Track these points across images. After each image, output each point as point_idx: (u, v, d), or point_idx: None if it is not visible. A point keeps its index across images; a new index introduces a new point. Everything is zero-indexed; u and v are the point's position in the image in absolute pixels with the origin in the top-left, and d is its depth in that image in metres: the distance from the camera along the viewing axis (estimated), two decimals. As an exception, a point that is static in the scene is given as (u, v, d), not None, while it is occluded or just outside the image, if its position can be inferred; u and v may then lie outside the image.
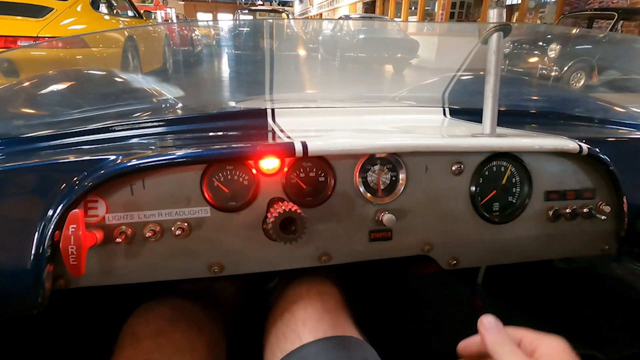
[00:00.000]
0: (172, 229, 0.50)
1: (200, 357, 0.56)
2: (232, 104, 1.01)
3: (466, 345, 0.44)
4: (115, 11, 4.03)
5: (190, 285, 0.76)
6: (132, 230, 0.49)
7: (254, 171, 0.52)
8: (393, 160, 0.57)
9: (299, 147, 0.51)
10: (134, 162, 0.47)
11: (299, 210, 0.47)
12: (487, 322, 0.42)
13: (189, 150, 0.49)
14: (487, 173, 0.61)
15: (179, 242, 0.51)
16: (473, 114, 0.87)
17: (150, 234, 0.49)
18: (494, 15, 0.60)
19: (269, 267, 0.56)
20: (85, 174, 0.47)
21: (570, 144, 0.60)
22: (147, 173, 0.49)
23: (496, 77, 0.62)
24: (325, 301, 0.59)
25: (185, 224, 0.51)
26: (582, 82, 3.83)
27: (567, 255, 0.67)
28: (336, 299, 0.61)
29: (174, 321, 0.59)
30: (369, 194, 0.56)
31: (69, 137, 0.63)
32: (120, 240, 0.47)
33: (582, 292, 1.04)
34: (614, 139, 0.70)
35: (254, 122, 0.77)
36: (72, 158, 0.48)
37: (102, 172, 0.46)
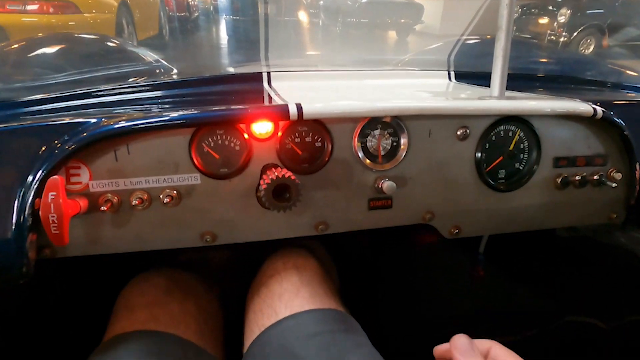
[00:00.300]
0: (161, 197, 0.47)
1: (196, 328, 0.55)
2: (229, 69, 0.96)
3: (441, 352, 0.41)
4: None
5: (186, 256, 0.74)
6: (119, 198, 0.46)
7: (245, 136, 0.49)
8: (394, 124, 0.53)
9: (293, 110, 0.47)
10: (117, 125, 0.44)
11: (293, 177, 0.44)
12: (461, 346, 0.39)
13: (175, 113, 0.45)
14: (493, 138, 0.57)
15: (168, 210, 0.48)
16: (480, 78, 0.82)
17: (137, 202, 0.46)
18: None
19: (264, 237, 0.53)
20: (66, 137, 0.43)
21: (584, 107, 0.56)
22: (131, 137, 0.45)
23: (507, 34, 0.57)
24: (302, 274, 0.56)
25: (174, 192, 0.48)
26: (591, 47, 3.68)
27: (574, 224, 0.64)
28: (314, 272, 0.58)
29: (169, 292, 0.58)
30: (368, 160, 0.53)
31: (56, 102, 0.59)
32: (105, 208, 0.45)
33: (584, 261, 1.03)
34: (628, 102, 0.66)
35: (249, 86, 0.72)
36: (52, 121, 0.45)
37: (83, 135, 0.43)
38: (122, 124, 0.44)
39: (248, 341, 0.51)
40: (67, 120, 0.45)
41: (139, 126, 0.44)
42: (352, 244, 1.06)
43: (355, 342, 0.47)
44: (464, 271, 1.02)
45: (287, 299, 0.52)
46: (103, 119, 0.44)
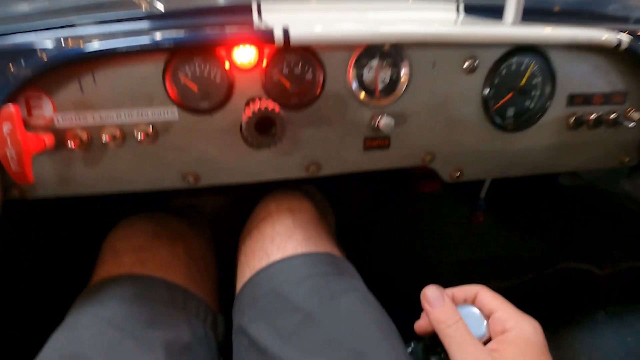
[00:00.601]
0: (135, 133, 0.42)
1: (185, 272, 0.53)
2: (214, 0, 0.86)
3: (420, 325, 0.40)
4: None
5: (176, 202, 0.71)
6: (88, 134, 0.42)
7: (227, 65, 0.43)
8: (395, 53, 0.47)
9: (279, 34, 0.40)
10: (78, 47, 0.38)
11: (277, 109, 0.39)
12: (431, 296, 0.37)
13: (144, 36, 0.39)
14: (504, 72, 0.51)
15: (144, 148, 0.44)
16: (493, 11, 0.74)
17: (109, 139, 0.41)
18: None
19: (251, 178, 0.49)
20: (22, 61, 0.38)
21: (608, 36, 0.49)
22: (96, 64, 0.39)
23: None
24: (296, 217, 0.53)
25: (150, 128, 0.43)
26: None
27: (583, 168, 0.60)
28: (309, 215, 0.55)
29: (157, 236, 0.55)
30: (364, 95, 0.47)
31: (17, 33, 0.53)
32: (74, 145, 0.40)
33: (584, 209, 1.00)
34: None
35: (235, 19, 0.65)
36: (3, 43, 0.39)
37: (41, 59, 0.37)
38: (85, 47, 0.38)
39: (240, 283, 0.50)
40: (22, 41, 0.39)
41: (103, 50, 0.38)
42: (349, 190, 1.03)
43: (349, 285, 0.45)
44: (463, 217, 1.00)
45: (280, 241, 0.49)
46: (62, 42, 0.39)
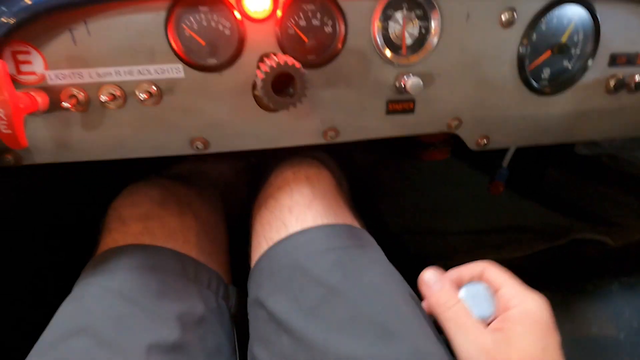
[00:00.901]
0: (137, 92, 0.38)
1: (195, 241, 0.50)
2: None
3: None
4: None
5: (183, 167, 0.68)
6: (85, 94, 0.37)
7: (237, 15, 0.38)
8: (425, 3, 0.41)
9: None
10: None
11: (297, 65, 0.34)
12: (428, 279, 0.37)
13: None
14: (543, 27, 0.46)
15: (147, 110, 0.40)
16: None
17: (108, 99, 0.37)
18: None
19: (264, 144, 0.45)
20: (4, 9, 0.33)
21: None
22: (88, 10, 0.34)
23: None
24: (315, 186, 0.49)
25: (153, 87, 0.38)
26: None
27: (617, 136, 0.55)
28: (328, 184, 0.52)
29: (165, 204, 0.52)
30: (389, 51, 0.42)
31: None
32: (69, 105, 0.36)
33: (602, 179, 0.96)
34: None
35: None
36: None
37: (24, 4, 0.32)
38: None
39: (255, 255, 0.47)
40: None
41: None
42: (352, 154, 0.99)
43: (372, 258, 0.43)
44: (473, 186, 0.97)
45: (298, 212, 0.46)
46: None
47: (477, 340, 0.32)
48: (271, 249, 0.43)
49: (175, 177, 0.61)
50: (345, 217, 0.47)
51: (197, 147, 0.43)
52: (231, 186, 0.72)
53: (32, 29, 0.34)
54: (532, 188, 1.02)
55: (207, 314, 0.43)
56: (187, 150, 0.43)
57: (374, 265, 0.41)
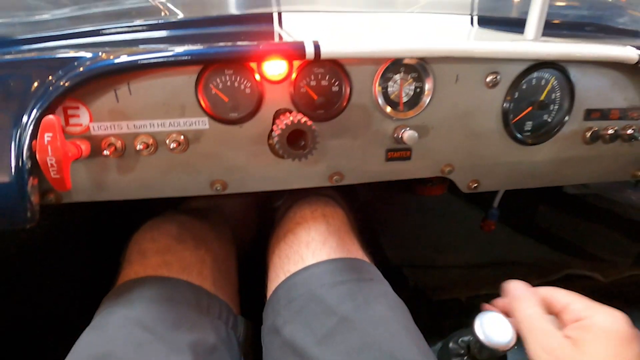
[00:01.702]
0: (167, 142, 0.42)
1: (209, 275, 0.53)
2: (235, 8, 0.86)
3: (501, 306, 0.40)
4: None
5: (198, 203, 0.71)
6: (122, 142, 0.42)
7: (257, 77, 0.43)
8: (419, 67, 0.46)
9: (310, 48, 0.40)
10: (116, 60, 0.38)
11: (309, 123, 0.38)
12: (514, 289, 0.37)
13: (180, 49, 0.39)
14: (524, 86, 0.51)
15: (175, 156, 0.44)
16: (506, 24, 0.73)
17: (142, 147, 0.41)
18: None
19: (276, 186, 0.49)
20: (61, 73, 0.37)
21: (629, 52, 0.49)
22: (132, 75, 0.39)
23: None
24: (330, 223, 0.53)
25: (182, 137, 0.43)
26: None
27: (597, 181, 0.59)
28: (341, 221, 0.56)
29: (181, 238, 0.55)
30: (389, 108, 0.47)
31: (54, 40, 0.53)
32: (109, 152, 0.40)
33: (591, 218, 0.99)
34: None
35: (258, 28, 0.64)
36: (45, 54, 0.39)
37: (79, 70, 0.37)
38: (121, 59, 0.38)
39: (273, 285, 0.50)
40: (61, 54, 0.39)
41: (140, 62, 0.38)
42: (355, 188, 1.03)
43: (380, 291, 0.46)
44: (470, 220, 0.99)
45: (315, 247, 0.49)
46: (100, 54, 0.38)
47: (544, 341, 0.32)
48: (288, 279, 0.47)
49: (191, 212, 0.64)
50: (356, 252, 0.50)
51: (217, 189, 0.47)
52: (241, 221, 0.76)
53: (84, 89, 0.39)
54: (525, 224, 1.05)
55: (218, 344, 0.45)
56: (208, 191, 0.47)
57: (382, 298, 0.44)
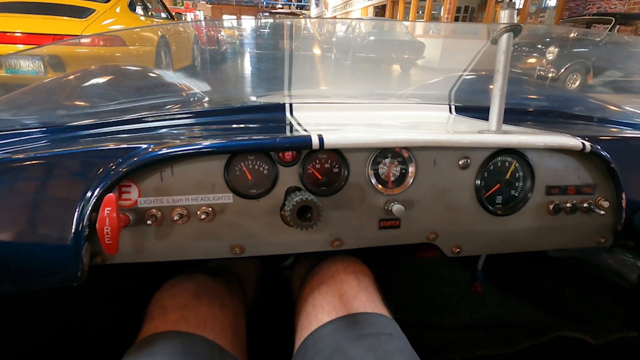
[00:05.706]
0: (198, 213, 0.49)
1: (222, 329, 0.56)
2: (253, 98, 0.99)
3: None
4: (150, 13, 4.00)
5: (214, 263, 0.75)
6: (162, 214, 0.48)
7: (273, 161, 0.50)
8: (403, 154, 0.54)
9: (315, 141, 0.48)
10: (164, 151, 0.46)
11: (315, 199, 0.45)
12: None
13: (214, 141, 0.47)
14: (491, 168, 0.58)
15: (204, 225, 0.50)
16: (478, 111, 0.83)
17: (177, 217, 0.48)
18: (505, 16, 0.56)
19: (286, 250, 0.54)
20: (120, 160, 0.45)
21: (573, 142, 0.57)
22: (175, 161, 0.47)
23: (504, 77, 0.58)
24: (361, 280, 0.57)
25: (210, 209, 0.49)
26: (577, 83, 3.67)
27: (565, 247, 0.64)
28: (370, 279, 0.60)
29: (198, 296, 0.59)
30: (379, 185, 0.54)
31: (107, 127, 0.62)
32: (150, 222, 0.47)
33: (574, 280, 1.01)
34: (613, 138, 0.66)
35: (273, 116, 0.75)
36: (109, 146, 0.47)
37: (135, 159, 0.45)
38: (168, 150, 0.46)
39: (303, 332, 0.52)
40: (121, 145, 0.47)
41: (184, 152, 0.46)
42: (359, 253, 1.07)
43: (398, 346, 0.48)
44: (462, 284, 1.01)
45: (346, 300, 0.53)
46: (152, 146, 0.47)
47: None
48: (318, 329, 0.50)
49: (207, 272, 0.68)
50: (381, 308, 0.54)
51: (236, 252, 0.52)
52: (251, 280, 0.79)
53: (136, 172, 0.46)
54: (513, 286, 1.06)
55: None
56: (228, 255, 0.52)
57: (400, 352, 0.47)
